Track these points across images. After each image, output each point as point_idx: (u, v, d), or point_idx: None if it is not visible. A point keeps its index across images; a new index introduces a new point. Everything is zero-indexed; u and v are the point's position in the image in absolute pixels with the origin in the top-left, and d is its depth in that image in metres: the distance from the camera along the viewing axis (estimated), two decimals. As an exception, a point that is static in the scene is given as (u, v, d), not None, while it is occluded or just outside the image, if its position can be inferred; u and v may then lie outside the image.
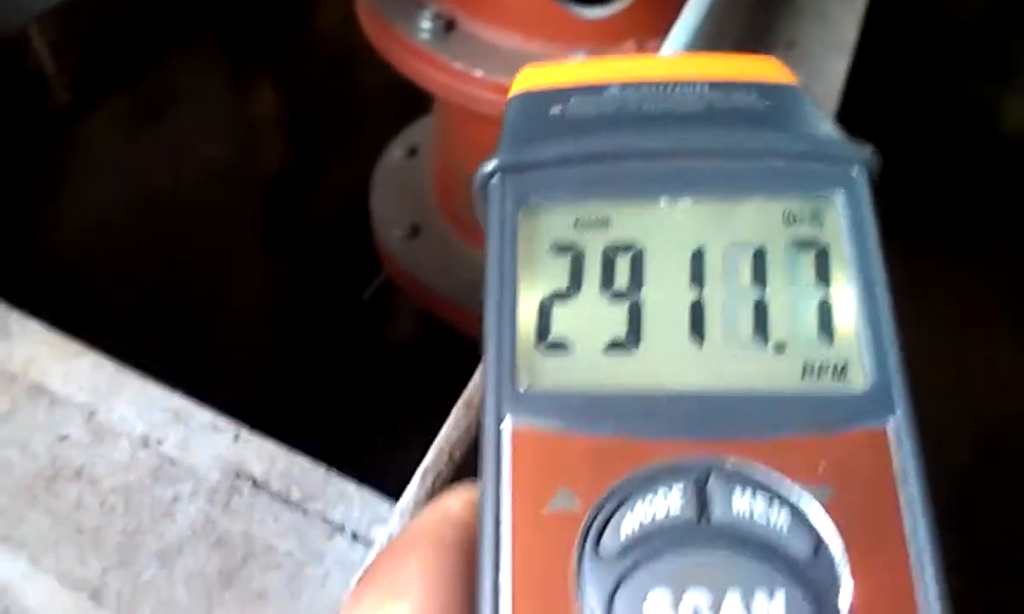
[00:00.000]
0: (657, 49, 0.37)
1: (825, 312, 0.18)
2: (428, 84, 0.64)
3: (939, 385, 1.00)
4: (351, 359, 0.97)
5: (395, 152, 0.89)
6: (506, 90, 0.22)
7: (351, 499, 0.29)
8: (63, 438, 0.31)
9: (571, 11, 0.58)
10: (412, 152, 0.89)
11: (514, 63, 0.59)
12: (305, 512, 0.29)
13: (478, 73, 0.60)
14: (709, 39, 0.38)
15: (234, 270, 0.92)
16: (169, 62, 0.82)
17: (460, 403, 0.24)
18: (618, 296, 0.18)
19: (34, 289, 0.45)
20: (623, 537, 0.16)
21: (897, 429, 0.16)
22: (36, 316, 0.36)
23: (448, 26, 0.62)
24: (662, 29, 0.40)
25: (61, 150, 0.73)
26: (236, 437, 0.31)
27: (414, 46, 0.62)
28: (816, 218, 0.19)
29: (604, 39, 0.59)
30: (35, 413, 0.32)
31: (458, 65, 0.60)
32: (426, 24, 0.61)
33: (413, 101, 0.85)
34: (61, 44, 0.71)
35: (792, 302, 0.18)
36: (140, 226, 0.80)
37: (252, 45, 0.90)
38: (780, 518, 0.16)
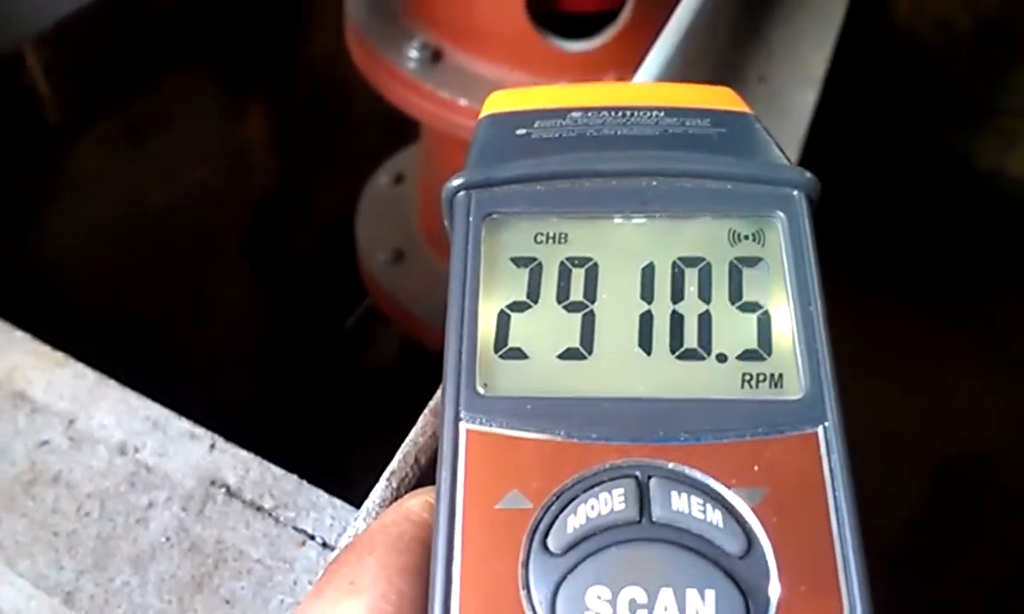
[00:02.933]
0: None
1: (764, 325, 0.19)
2: (415, 112, 0.65)
3: (911, 422, 1.01)
4: (334, 381, 0.98)
5: (381, 178, 0.90)
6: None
7: (322, 508, 0.30)
8: (43, 444, 0.32)
9: (554, 45, 0.59)
10: (398, 179, 0.90)
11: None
12: (277, 520, 0.30)
13: (463, 102, 0.61)
14: (680, 75, 0.39)
15: (222, 291, 0.92)
16: (162, 85, 0.83)
17: (427, 410, 0.25)
18: (573, 307, 0.19)
19: (23, 304, 0.46)
20: (569, 534, 0.16)
21: (827, 434, 0.17)
22: (23, 329, 0.37)
23: (435, 56, 0.63)
24: (641, 63, 0.42)
25: (53, 169, 0.74)
26: (212, 446, 0.31)
27: (402, 75, 0.63)
28: (758, 237, 0.20)
29: (585, 72, 0.60)
30: (16, 419, 0.32)
31: (444, 94, 0.62)
32: (413, 54, 0.63)
33: (400, 129, 0.86)
34: (55, 65, 0.72)
35: (734, 315, 0.19)
36: (129, 246, 0.80)
37: (244, 70, 0.91)
38: (715, 517, 0.16)
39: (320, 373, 0.98)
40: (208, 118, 0.90)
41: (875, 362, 0.99)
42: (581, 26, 0.60)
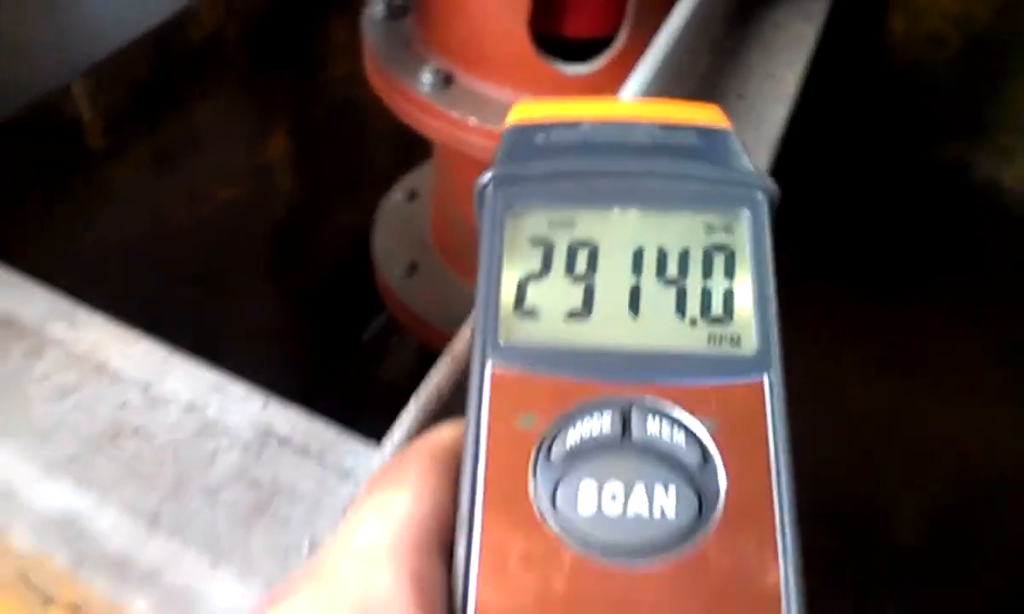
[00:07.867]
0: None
1: (728, 298, 0.24)
2: (428, 132, 0.71)
3: (908, 428, 1.03)
4: (352, 391, 1.03)
5: (396, 195, 0.96)
6: (498, 138, 0.28)
7: (360, 453, 0.36)
8: (123, 405, 0.37)
9: (556, 68, 0.65)
10: (412, 195, 0.95)
11: (505, 114, 0.67)
12: (322, 462, 0.35)
13: (473, 121, 0.67)
14: (663, 94, 0.45)
15: (246, 304, 0.97)
16: (190, 110, 0.89)
17: (446, 354, 0.30)
18: (577, 279, 0.24)
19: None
20: (567, 448, 0.22)
21: (771, 379, 0.22)
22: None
23: (447, 80, 0.69)
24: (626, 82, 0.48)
25: (95, 189, 0.79)
26: (265, 405, 0.37)
27: (416, 97, 0.69)
28: (728, 229, 0.25)
29: (584, 93, 0.66)
30: (99, 386, 0.38)
31: (455, 114, 0.67)
32: (427, 78, 0.69)
33: (413, 149, 0.92)
34: (98, 94, 0.78)
35: (705, 289, 0.24)
36: (160, 260, 0.86)
37: (267, 95, 0.96)
38: (680, 438, 0.22)
39: (340, 383, 1.03)
40: (233, 140, 0.95)
41: (865, 368, 1.03)
42: (581, 51, 0.66)
